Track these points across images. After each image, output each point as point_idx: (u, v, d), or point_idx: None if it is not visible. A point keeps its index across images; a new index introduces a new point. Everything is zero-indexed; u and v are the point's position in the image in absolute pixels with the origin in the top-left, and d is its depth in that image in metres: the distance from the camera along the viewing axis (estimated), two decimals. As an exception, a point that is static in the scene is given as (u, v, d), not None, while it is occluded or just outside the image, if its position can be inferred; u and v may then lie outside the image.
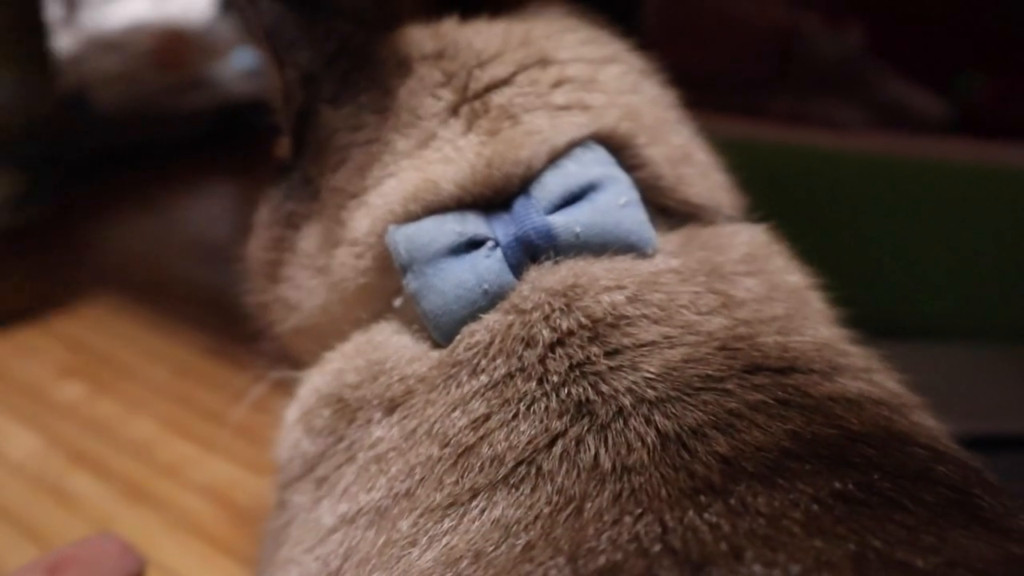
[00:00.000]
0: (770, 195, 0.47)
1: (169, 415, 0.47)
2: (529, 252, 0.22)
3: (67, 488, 0.41)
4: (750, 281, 0.22)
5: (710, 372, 0.19)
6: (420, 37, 0.27)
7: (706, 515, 0.15)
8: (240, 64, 1.08)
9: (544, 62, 0.26)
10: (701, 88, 0.80)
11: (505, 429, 0.19)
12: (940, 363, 0.45)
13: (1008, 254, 0.44)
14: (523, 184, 0.24)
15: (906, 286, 0.47)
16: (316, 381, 0.25)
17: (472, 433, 0.19)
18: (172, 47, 0.94)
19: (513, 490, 0.18)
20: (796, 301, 0.23)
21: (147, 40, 0.95)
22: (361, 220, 0.25)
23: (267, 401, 0.31)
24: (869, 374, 0.21)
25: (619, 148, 0.24)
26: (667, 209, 0.25)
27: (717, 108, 0.73)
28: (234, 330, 0.56)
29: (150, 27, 0.98)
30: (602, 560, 0.14)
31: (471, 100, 0.25)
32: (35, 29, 0.62)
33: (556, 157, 0.24)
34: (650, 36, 0.76)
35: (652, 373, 0.19)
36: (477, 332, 0.22)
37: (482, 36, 0.27)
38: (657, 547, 0.14)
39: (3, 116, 0.58)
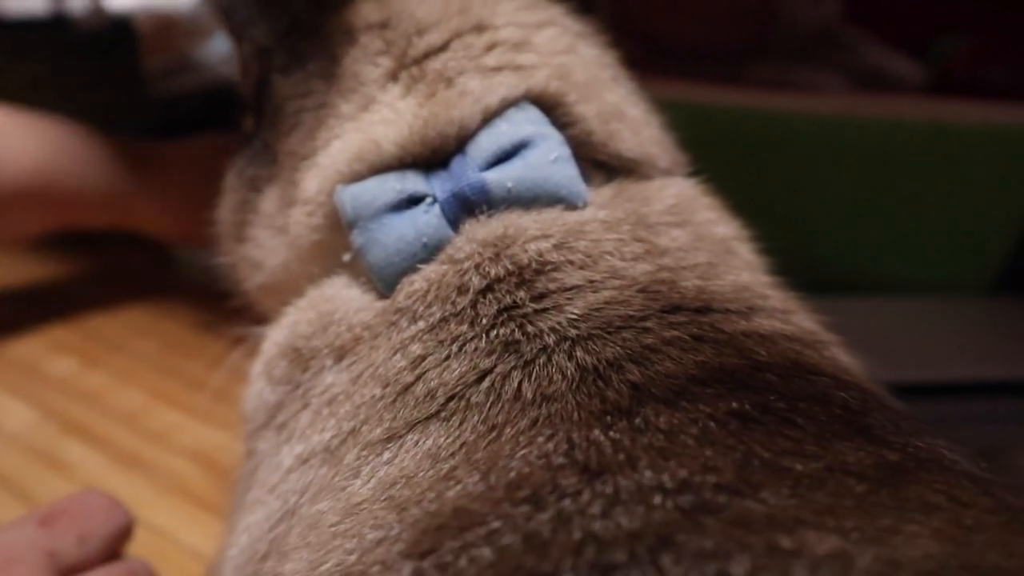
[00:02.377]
0: (731, 156, 0.48)
1: (157, 386, 0.49)
2: (465, 207, 0.24)
3: (60, 455, 0.43)
4: (675, 231, 0.24)
5: (631, 312, 0.21)
6: (368, 8, 0.29)
7: (611, 433, 0.17)
8: (228, 46, 1.09)
9: (479, 28, 0.27)
10: (683, 58, 0.81)
11: (439, 368, 0.21)
12: (901, 314, 0.46)
13: (964, 209, 0.45)
14: (459, 143, 0.25)
15: (867, 242, 0.49)
16: (275, 335, 0.27)
17: (410, 373, 0.21)
18: (160, 32, 0.94)
19: (444, 422, 0.19)
20: (721, 250, 0.24)
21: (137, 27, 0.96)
22: (311, 180, 0.27)
23: (247, 368, 0.33)
24: (786, 315, 0.23)
25: (551, 106, 0.25)
26: (602, 163, 0.26)
27: (699, 77, 0.74)
28: (220, 304, 0.58)
29: (138, 14, 0.99)
30: (512, 475, 0.16)
31: (409, 66, 0.27)
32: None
33: (490, 117, 0.25)
34: (632, 9, 0.77)
35: (575, 314, 0.21)
36: (416, 282, 0.23)
37: (424, 6, 0.29)
38: (562, 460, 0.16)
39: None
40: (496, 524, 0.15)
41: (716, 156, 0.47)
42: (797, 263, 0.49)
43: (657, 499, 0.14)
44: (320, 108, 0.27)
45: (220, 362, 0.51)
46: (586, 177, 0.25)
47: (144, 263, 0.65)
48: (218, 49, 1.06)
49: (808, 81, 0.78)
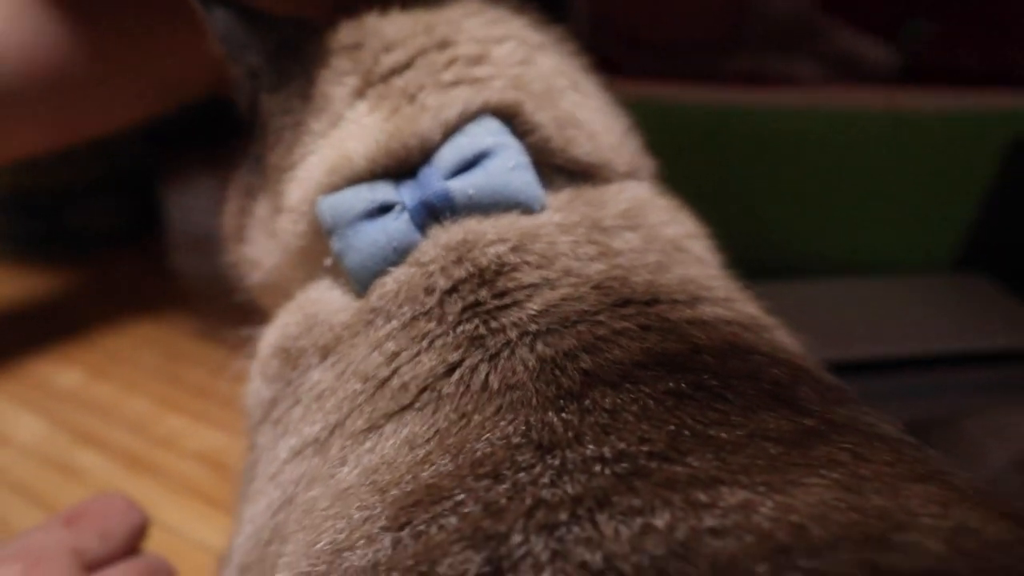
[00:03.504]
0: (706, 151, 0.50)
1: (162, 393, 0.51)
2: (432, 213, 0.26)
3: (73, 463, 0.45)
4: (628, 234, 0.26)
5: (585, 307, 0.23)
6: (344, 31, 0.31)
7: (563, 414, 0.19)
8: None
9: (443, 45, 0.29)
10: (661, 52, 0.83)
11: (411, 363, 0.23)
12: (871, 293, 0.49)
13: (926, 193, 0.48)
14: (424, 155, 0.27)
15: (838, 226, 0.51)
16: (268, 335, 0.29)
17: (386, 368, 0.23)
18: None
19: (419, 412, 0.21)
20: (671, 248, 0.26)
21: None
22: (294, 191, 0.29)
23: (246, 371, 0.35)
24: (729, 302, 0.25)
25: (510, 116, 0.27)
26: (561, 168, 0.28)
27: (676, 71, 0.76)
28: (219, 313, 0.60)
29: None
30: (477, 455, 0.18)
31: (375, 83, 0.29)
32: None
33: (450, 129, 0.27)
34: (610, 6, 0.78)
35: (535, 310, 0.23)
36: (387, 283, 0.25)
37: (394, 26, 0.31)
38: (519, 440, 0.18)
39: None
40: (461, 496, 0.17)
41: (692, 152, 0.49)
42: (773, 248, 0.52)
43: (597, 468, 0.17)
44: (297, 126, 0.30)
45: (221, 369, 0.54)
46: (546, 182, 0.27)
47: (143, 274, 0.68)
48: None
49: (784, 70, 0.80)
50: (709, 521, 0.14)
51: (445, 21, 0.31)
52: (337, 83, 0.30)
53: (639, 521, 0.15)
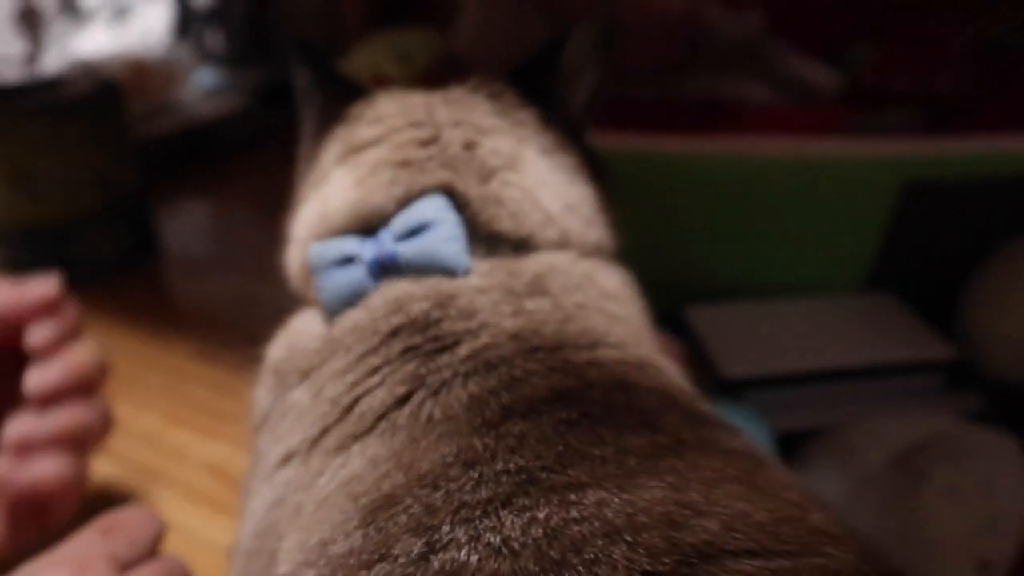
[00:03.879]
0: (638, 195, 0.55)
1: (169, 410, 0.56)
2: (383, 268, 0.31)
3: (94, 475, 0.50)
4: (536, 300, 0.30)
5: (503, 353, 0.27)
6: (359, 103, 0.37)
7: (484, 440, 0.24)
8: (202, 84, 1.16)
9: (411, 126, 0.35)
10: (619, 78, 0.89)
11: (368, 395, 0.28)
12: (795, 312, 0.55)
13: (838, 225, 0.54)
14: (382, 220, 0.32)
15: (764, 256, 0.57)
16: (270, 351, 0.34)
17: (348, 396, 0.28)
18: (135, 77, 1.01)
19: (379, 436, 0.26)
20: (574, 308, 0.31)
21: (109, 74, 1.03)
22: (298, 227, 0.35)
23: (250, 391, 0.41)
24: (623, 347, 0.30)
25: (450, 194, 0.33)
26: (489, 238, 0.32)
27: (635, 94, 0.82)
28: (216, 335, 0.66)
29: (112, 61, 1.05)
30: (423, 470, 0.23)
31: (351, 153, 0.35)
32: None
33: (401, 203, 0.32)
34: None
35: (463, 355, 0.28)
36: (345, 321, 0.30)
37: (386, 105, 0.37)
38: (451, 459, 0.23)
39: None
40: (409, 501, 0.22)
41: (638, 195, 0.55)
42: (711, 276, 0.58)
43: (504, 479, 0.22)
44: (309, 173, 0.36)
45: (221, 387, 0.60)
46: (475, 251, 0.32)
47: (144, 299, 0.73)
48: (194, 90, 1.13)
49: (734, 92, 0.86)
50: (574, 513, 0.20)
51: (423, 105, 0.36)
52: (330, 147, 0.36)
53: (528, 515, 0.20)
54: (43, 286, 0.43)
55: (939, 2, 0.80)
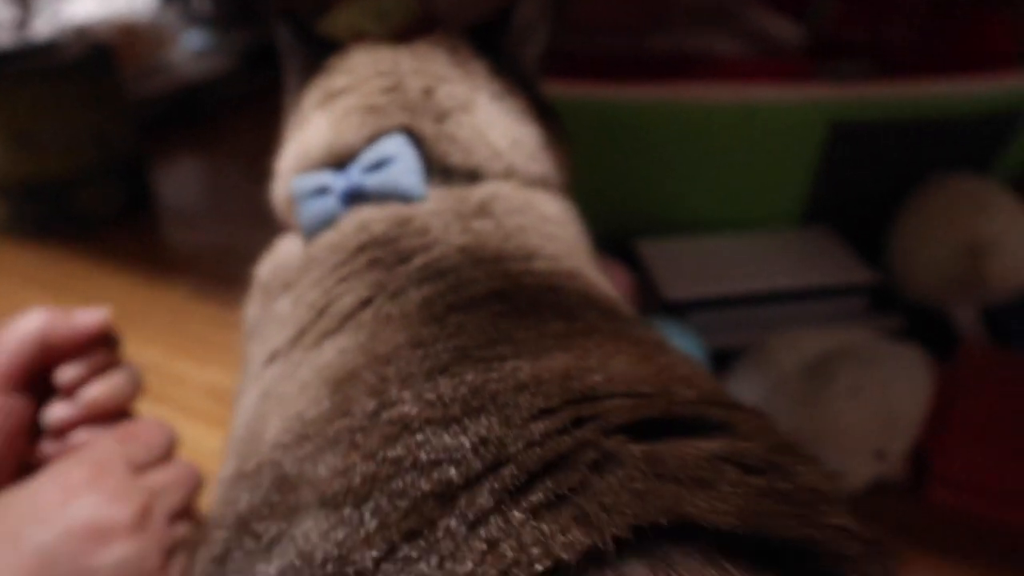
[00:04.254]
0: (599, 140, 0.60)
1: (171, 344, 0.62)
2: (351, 196, 0.36)
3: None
4: (481, 221, 0.35)
5: (451, 264, 0.32)
6: (335, 57, 0.42)
7: (430, 329, 0.29)
8: (190, 46, 1.19)
9: (378, 75, 0.40)
10: (594, 34, 0.92)
11: (339, 299, 0.33)
12: (740, 244, 0.61)
13: (776, 165, 0.59)
14: (352, 156, 0.37)
15: (713, 194, 0.62)
16: (259, 270, 0.39)
17: (322, 300, 0.33)
18: (124, 42, 1.05)
19: (347, 332, 0.31)
20: (515, 229, 0.36)
21: (101, 38, 1.06)
22: (282, 164, 0.40)
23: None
24: (556, 260, 0.35)
25: (410, 133, 0.38)
26: (444, 171, 0.37)
27: (609, 50, 0.86)
28: (208, 276, 0.71)
29: (101, 26, 1.09)
30: (380, 353, 0.28)
31: (329, 100, 0.40)
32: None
33: (368, 140, 0.37)
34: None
35: (418, 265, 0.33)
36: (321, 241, 0.36)
37: (357, 58, 0.41)
38: (403, 343, 0.28)
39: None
40: (367, 375, 0.27)
41: (599, 140, 0.59)
42: (667, 211, 0.63)
43: (444, 355, 0.27)
44: (292, 115, 0.42)
45: (215, 321, 0.65)
46: (431, 181, 0.37)
47: (140, 247, 0.78)
48: (183, 51, 1.17)
49: (704, 46, 0.90)
50: (493, 375, 0.25)
51: (390, 57, 0.41)
52: (310, 94, 0.41)
53: (458, 379, 0.25)
54: (91, 316, 0.43)
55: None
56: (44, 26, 1.17)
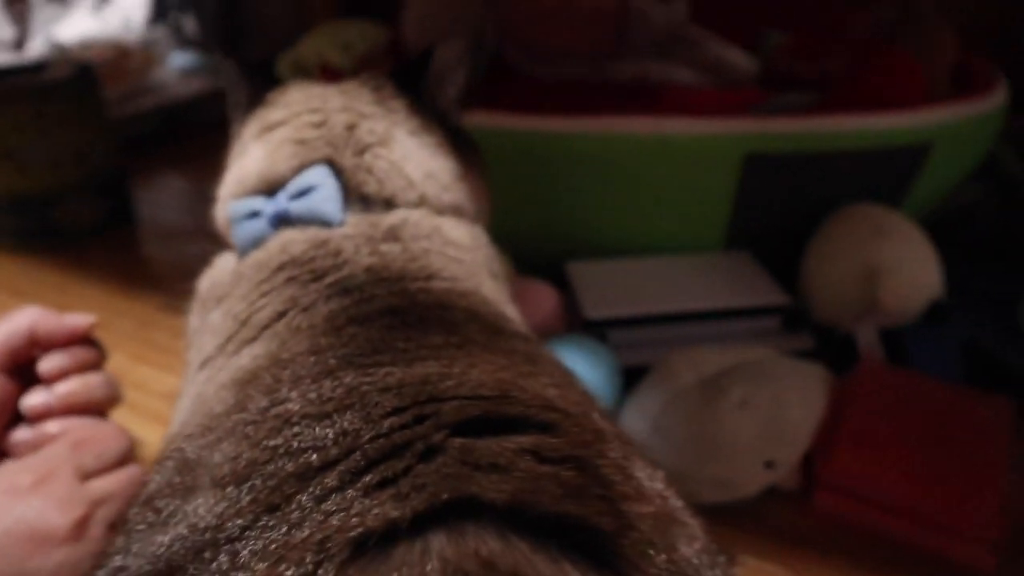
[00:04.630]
0: (538, 168, 0.64)
1: (135, 351, 0.66)
2: (278, 220, 0.41)
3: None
4: (389, 245, 0.40)
5: (357, 282, 0.37)
6: (276, 92, 0.46)
7: (328, 339, 0.33)
8: (176, 66, 1.25)
9: (311, 111, 0.44)
10: (554, 61, 0.97)
11: (259, 312, 0.37)
12: (666, 267, 0.65)
13: (700, 194, 0.64)
14: (281, 184, 0.42)
15: (641, 220, 0.66)
16: (198, 285, 0.44)
17: (245, 313, 0.38)
18: (115, 60, 1.10)
19: (262, 341, 0.36)
20: (420, 252, 0.40)
21: (94, 58, 1.11)
22: (222, 189, 0.45)
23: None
24: (454, 280, 0.39)
25: (332, 164, 0.42)
26: (361, 199, 0.42)
27: (569, 77, 0.90)
28: (181, 290, 0.76)
29: (95, 45, 1.14)
30: (283, 357, 0.32)
31: (264, 132, 0.44)
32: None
33: (296, 171, 0.42)
34: (511, 20, 0.92)
35: (328, 282, 0.37)
36: (249, 260, 0.40)
37: (294, 94, 0.46)
38: (303, 351, 0.32)
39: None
40: (266, 376, 0.31)
41: (529, 170, 0.64)
42: (595, 239, 0.67)
43: (332, 361, 0.31)
44: (234, 144, 0.46)
45: (182, 332, 0.69)
46: (349, 208, 0.41)
47: (119, 261, 0.83)
48: (170, 71, 1.22)
49: (661, 75, 0.94)
50: (366, 379, 0.29)
51: (320, 95, 0.46)
52: (251, 125, 0.46)
53: (338, 381, 0.29)
54: (78, 318, 0.48)
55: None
56: (39, 46, 1.23)
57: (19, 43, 1.27)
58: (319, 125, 0.44)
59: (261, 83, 0.48)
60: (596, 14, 0.94)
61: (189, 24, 1.27)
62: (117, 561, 0.27)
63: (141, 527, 0.29)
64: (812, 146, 0.61)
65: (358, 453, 0.26)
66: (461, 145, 0.49)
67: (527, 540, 0.22)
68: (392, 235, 0.41)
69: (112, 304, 0.74)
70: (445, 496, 0.23)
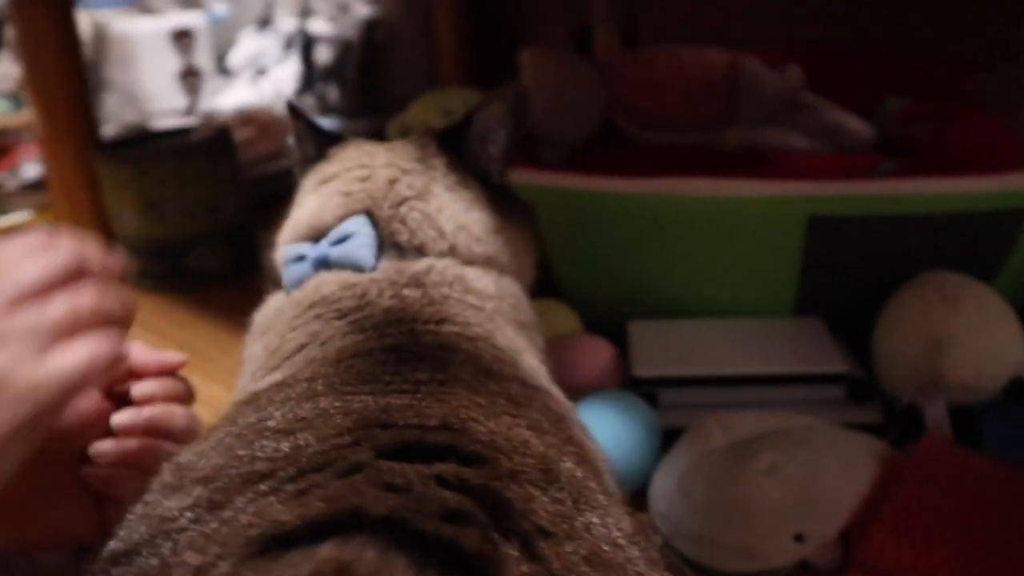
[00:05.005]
0: (615, 230, 0.65)
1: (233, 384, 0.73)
2: (321, 263, 0.45)
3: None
4: (410, 290, 0.43)
5: (375, 322, 0.40)
6: (335, 148, 0.51)
7: (329, 369, 0.36)
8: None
9: (360, 167, 0.48)
10: (664, 128, 0.99)
11: (285, 344, 0.41)
12: (718, 329, 0.64)
13: (758, 257, 0.62)
14: (325, 231, 0.46)
15: (712, 283, 0.66)
16: (254, 319, 0.48)
17: (276, 344, 0.42)
18: (260, 126, 1.22)
19: (281, 369, 0.40)
20: (440, 298, 0.43)
21: (248, 120, 1.24)
22: (281, 235, 0.50)
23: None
24: (467, 326, 0.41)
25: (370, 215, 0.46)
26: (394, 246, 0.45)
27: (679, 144, 0.91)
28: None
29: (248, 111, 1.27)
30: (300, 377, 0.36)
31: (320, 185, 0.49)
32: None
33: (339, 219, 0.46)
34: (620, 87, 0.94)
35: (348, 320, 0.40)
36: (290, 298, 0.44)
37: (349, 150, 0.51)
38: (305, 378, 0.36)
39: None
40: (264, 397, 0.35)
41: (592, 228, 0.65)
42: (654, 299, 0.67)
43: (321, 387, 0.34)
44: (296, 193, 0.51)
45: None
46: (383, 255, 0.45)
47: (243, 302, 0.90)
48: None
49: (774, 141, 0.93)
50: (339, 404, 0.32)
51: (369, 151, 0.50)
52: (310, 176, 0.51)
53: (317, 404, 0.32)
54: (172, 357, 0.49)
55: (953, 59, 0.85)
56: (202, 113, 1.38)
57: (189, 110, 1.44)
58: (364, 179, 0.48)
59: (324, 140, 0.53)
60: (707, 82, 0.94)
61: (332, 94, 1.39)
62: (111, 546, 0.31)
63: (132, 518, 0.33)
64: (882, 209, 0.59)
65: (294, 465, 0.28)
66: (503, 201, 0.51)
67: (406, 555, 0.24)
68: (415, 281, 0.44)
69: (225, 341, 0.81)
70: (337, 507, 0.25)
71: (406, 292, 0.43)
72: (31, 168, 1.00)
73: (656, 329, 0.63)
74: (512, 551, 0.25)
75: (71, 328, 0.38)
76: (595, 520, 0.30)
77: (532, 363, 0.44)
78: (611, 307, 0.67)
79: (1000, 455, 0.51)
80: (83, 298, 0.38)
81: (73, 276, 0.38)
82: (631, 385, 0.58)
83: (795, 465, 0.47)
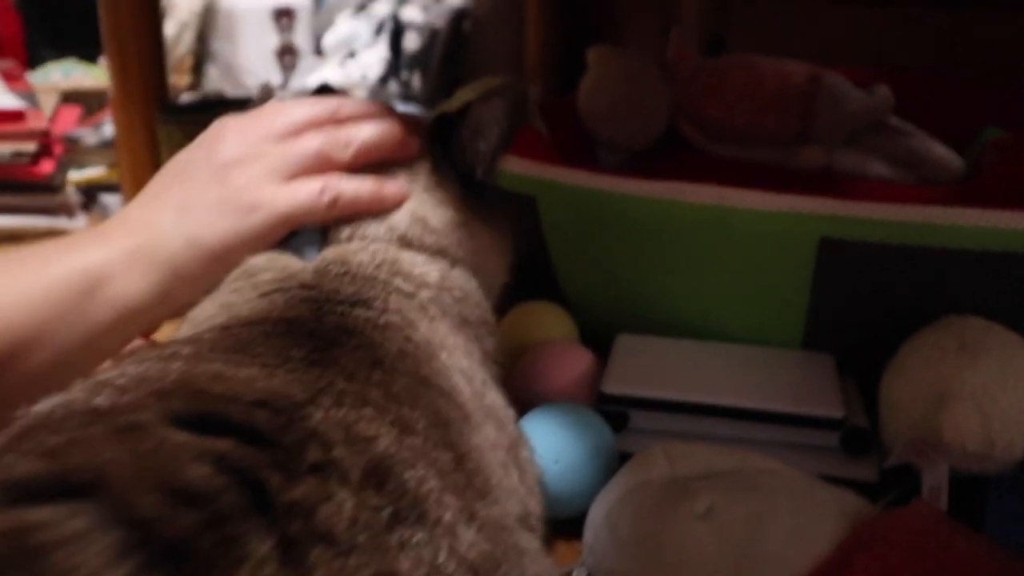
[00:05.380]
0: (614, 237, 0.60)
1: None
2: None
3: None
4: (335, 267, 0.42)
5: (285, 297, 0.39)
6: None
7: (213, 333, 0.35)
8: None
9: None
10: (735, 142, 0.92)
11: (202, 311, 0.42)
12: (711, 353, 0.58)
13: (762, 282, 0.56)
14: None
15: (714, 305, 0.60)
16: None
17: (197, 310, 0.42)
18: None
19: (189, 327, 0.40)
20: (360, 278, 0.42)
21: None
22: None
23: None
24: (382, 312, 0.39)
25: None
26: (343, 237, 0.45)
27: (749, 160, 0.85)
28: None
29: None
30: (183, 340, 0.36)
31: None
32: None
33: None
34: (689, 99, 0.88)
35: (261, 292, 0.40)
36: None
37: None
38: (187, 338, 0.35)
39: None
40: (161, 348, 0.34)
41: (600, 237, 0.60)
42: (646, 310, 0.62)
43: (187, 349, 0.33)
44: None
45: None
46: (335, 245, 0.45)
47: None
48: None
49: (851, 165, 0.85)
50: (181, 365, 0.31)
51: None
52: None
53: (166, 364, 0.31)
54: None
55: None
56: (297, 88, 1.42)
57: (284, 87, 1.48)
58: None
59: None
60: (782, 96, 0.87)
61: (416, 81, 1.39)
62: None
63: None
64: (910, 238, 0.51)
65: (74, 419, 0.27)
66: (484, 199, 0.49)
67: (112, 535, 0.22)
68: (342, 260, 0.43)
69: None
70: (71, 463, 0.24)
71: (330, 268, 0.42)
72: (110, 127, 1.05)
73: (644, 345, 0.58)
74: (262, 547, 0.23)
75: (319, 165, 0.44)
76: (419, 538, 0.27)
77: (458, 363, 0.41)
78: (610, 316, 0.63)
79: (1000, 538, 0.43)
80: (336, 137, 0.44)
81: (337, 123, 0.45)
82: (599, 401, 0.54)
83: (737, 513, 0.42)
